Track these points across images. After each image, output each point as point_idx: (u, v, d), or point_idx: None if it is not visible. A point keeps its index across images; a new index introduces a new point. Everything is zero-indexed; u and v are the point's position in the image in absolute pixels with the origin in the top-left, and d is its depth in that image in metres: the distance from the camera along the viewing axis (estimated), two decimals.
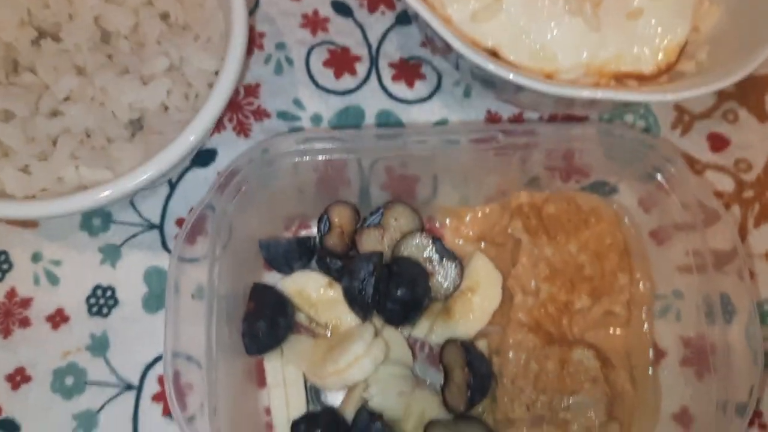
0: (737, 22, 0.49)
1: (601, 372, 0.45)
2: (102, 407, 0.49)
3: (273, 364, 0.48)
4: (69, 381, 0.49)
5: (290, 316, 0.48)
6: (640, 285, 0.49)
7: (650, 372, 0.48)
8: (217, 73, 0.46)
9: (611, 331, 0.48)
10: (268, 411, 0.48)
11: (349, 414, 0.46)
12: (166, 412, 0.49)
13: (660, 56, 0.48)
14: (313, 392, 0.48)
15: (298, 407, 0.48)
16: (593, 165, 0.49)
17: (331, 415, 0.46)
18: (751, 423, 0.50)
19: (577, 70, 0.47)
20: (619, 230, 0.49)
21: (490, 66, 0.43)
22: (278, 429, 0.47)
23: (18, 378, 0.49)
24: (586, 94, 0.41)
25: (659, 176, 0.47)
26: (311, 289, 0.49)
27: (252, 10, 0.57)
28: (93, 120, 0.44)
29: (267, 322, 0.46)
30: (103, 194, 0.40)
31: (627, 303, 0.48)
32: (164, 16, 0.48)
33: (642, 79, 0.48)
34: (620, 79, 0.48)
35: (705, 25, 0.50)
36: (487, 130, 0.47)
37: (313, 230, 0.52)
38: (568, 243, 0.48)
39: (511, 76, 0.43)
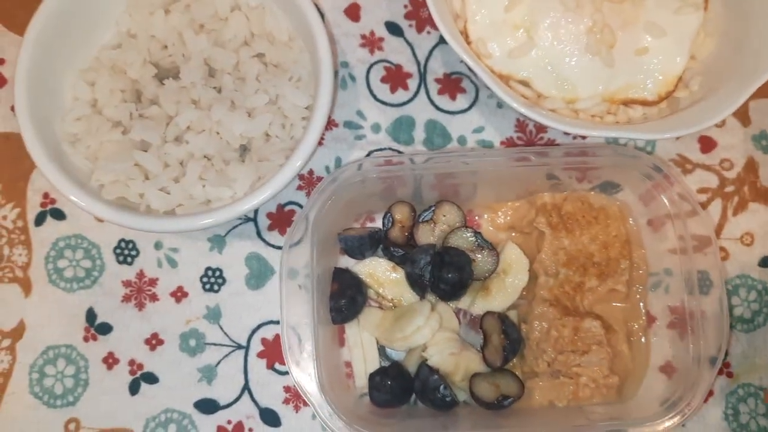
0: (728, 54, 0.59)
1: (604, 337, 0.58)
2: (219, 362, 0.63)
3: (353, 330, 0.62)
4: (192, 342, 0.63)
5: (364, 293, 0.61)
6: (638, 269, 0.62)
7: (642, 338, 0.62)
8: (308, 107, 0.57)
9: (614, 305, 0.61)
10: (348, 365, 0.62)
11: (412, 368, 0.60)
12: (270, 366, 0.63)
13: (661, 86, 0.59)
14: (382, 352, 0.62)
15: (373, 363, 0.61)
16: (603, 171, 0.61)
17: (398, 368, 0.60)
18: (719, 372, 0.63)
19: (593, 98, 0.59)
20: (622, 225, 0.61)
21: (514, 104, 0.54)
22: (358, 378, 0.61)
23: (153, 341, 0.63)
24: (596, 133, 0.53)
25: (653, 179, 0.60)
26: (379, 272, 0.62)
27: None
28: (212, 147, 0.56)
29: (347, 298, 0.59)
30: (237, 210, 0.52)
31: (627, 282, 0.60)
32: (260, 56, 0.59)
33: (646, 104, 0.60)
34: (628, 104, 0.60)
35: (701, 53, 0.61)
36: (520, 152, 0.59)
37: (377, 222, 0.65)
38: (581, 235, 0.60)
39: (523, 110, 0.53)
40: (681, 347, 0.59)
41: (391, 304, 0.62)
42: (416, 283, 0.60)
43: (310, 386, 0.54)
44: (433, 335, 0.59)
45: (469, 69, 0.58)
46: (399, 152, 0.66)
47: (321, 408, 0.54)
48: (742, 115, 0.67)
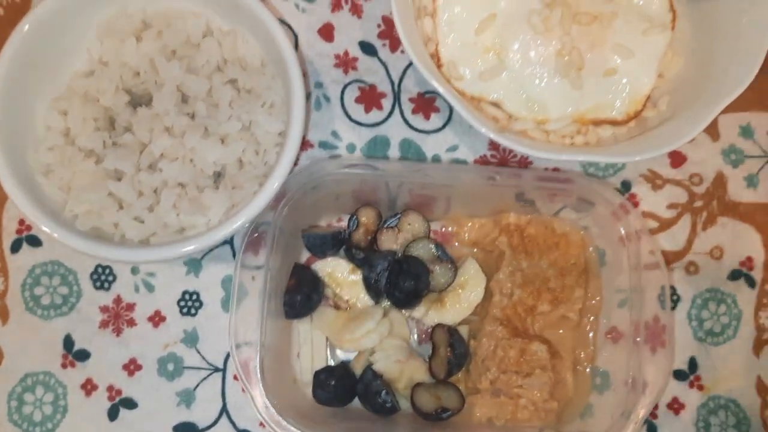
0: (696, 73, 0.60)
1: (549, 363, 0.60)
2: (197, 386, 0.63)
3: (305, 327, 0.63)
4: (170, 367, 0.63)
5: (321, 292, 0.62)
6: (592, 298, 0.63)
7: (588, 366, 0.63)
8: (281, 133, 0.58)
9: (564, 332, 0.62)
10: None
11: (358, 370, 0.61)
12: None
13: (629, 105, 0.60)
14: (331, 351, 0.63)
15: (320, 361, 0.62)
16: (575, 189, 0.62)
17: (344, 369, 0.61)
18: (690, 385, 0.65)
19: (563, 119, 0.59)
20: (582, 254, 0.63)
21: (483, 129, 0.54)
22: (304, 375, 0.62)
23: (132, 366, 0.63)
24: (564, 157, 0.54)
25: (617, 201, 0.61)
26: (339, 273, 0.63)
27: None
28: (186, 175, 0.56)
29: (303, 295, 0.60)
30: (211, 239, 0.53)
31: (579, 311, 0.62)
32: (233, 82, 0.59)
33: (615, 123, 0.60)
34: (598, 124, 0.60)
35: (669, 72, 0.62)
36: (488, 171, 0.60)
37: (344, 224, 0.65)
38: (540, 259, 0.62)
39: (491, 136, 0.54)
40: (653, 361, 0.60)
41: (347, 305, 0.63)
42: (372, 288, 0.61)
43: (252, 376, 0.56)
44: (382, 341, 0.60)
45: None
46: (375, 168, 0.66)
47: (257, 397, 0.56)
48: (712, 129, 0.68)
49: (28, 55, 0.56)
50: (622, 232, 0.61)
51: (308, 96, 0.67)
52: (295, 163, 0.65)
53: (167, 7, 0.60)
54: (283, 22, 0.68)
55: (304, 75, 0.67)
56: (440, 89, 0.53)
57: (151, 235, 0.56)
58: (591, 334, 0.63)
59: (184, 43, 0.59)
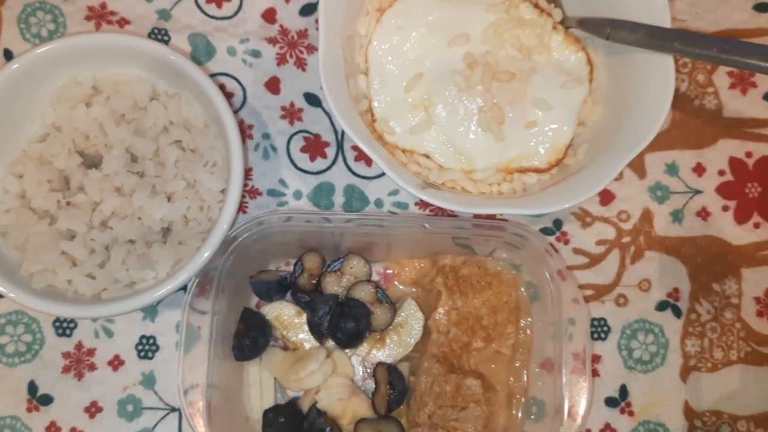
0: (613, 121, 0.64)
1: (483, 396, 0.63)
2: (155, 425, 0.67)
3: (253, 368, 0.66)
4: (130, 408, 0.67)
5: (268, 335, 0.66)
6: (524, 333, 0.67)
7: (522, 398, 0.67)
8: (223, 191, 0.62)
9: (498, 366, 0.66)
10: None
11: (305, 408, 0.65)
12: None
13: (550, 154, 0.64)
14: (280, 391, 0.67)
15: (269, 400, 0.66)
16: (504, 235, 0.66)
17: (292, 407, 0.65)
18: (621, 411, 0.69)
19: (489, 169, 0.63)
20: (513, 292, 0.67)
21: (407, 187, 0.58)
22: (254, 414, 0.65)
23: (93, 409, 0.67)
24: (485, 211, 0.59)
25: (550, 239, 0.65)
26: (285, 316, 0.67)
27: (240, 105, 0.72)
28: (135, 232, 0.60)
29: (250, 339, 0.64)
30: (156, 295, 0.57)
31: (512, 346, 0.66)
32: (178, 142, 0.63)
33: (538, 171, 0.64)
34: (523, 171, 0.65)
35: (590, 119, 0.66)
36: (421, 220, 0.65)
37: (291, 268, 0.69)
38: (474, 298, 0.66)
39: (417, 194, 0.58)
40: (585, 390, 0.64)
41: (294, 346, 0.67)
42: (315, 330, 0.65)
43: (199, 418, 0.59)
44: (326, 380, 0.64)
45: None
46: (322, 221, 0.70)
47: None
48: (639, 168, 0.72)
49: None
50: (550, 270, 0.65)
51: (256, 146, 0.71)
52: (244, 211, 0.70)
53: (115, 74, 0.64)
54: (231, 76, 0.72)
55: (251, 127, 0.71)
56: (365, 149, 0.57)
57: (103, 290, 0.60)
58: (522, 367, 0.67)
59: (132, 107, 0.63)
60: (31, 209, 0.61)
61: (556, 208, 0.58)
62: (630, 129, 0.61)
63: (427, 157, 0.64)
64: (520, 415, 0.67)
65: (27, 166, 0.61)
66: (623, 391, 0.69)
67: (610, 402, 0.69)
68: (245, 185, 0.71)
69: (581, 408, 0.63)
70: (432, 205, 0.70)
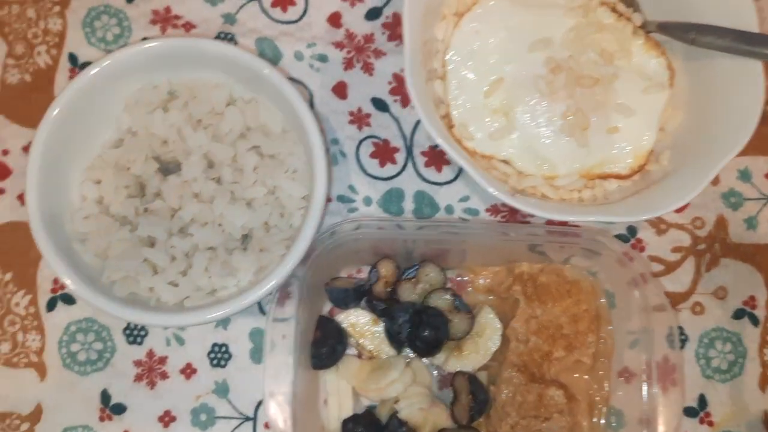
0: (696, 128, 0.63)
1: (566, 406, 0.62)
2: None
3: (330, 377, 0.65)
4: (203, 417, 0.66)
5: (345, 343, 0.65)
6: (605, 343, 0.66)
7: (603, 408, 0.65)
8: (304, 197, 0.61)
9: (579, 376, 0.65)
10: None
11: (384, 418, 0.64)
12: None
13: (633, 160, 0.63)
14: (357, 400, 0.66)
15: (347, 410, 0.65)
16: (581, 241, 0.65)
17: (370, 417, 0.64)
18: (701, 422, 0.68)
19: (571, 175, 0.63)
20: (593, 300, 0.65)
21: (495, 192, 0.57)
22: (331, 424, 0.65)
23: (166, 418, 0.66)
24: (573, 218, 0.58)
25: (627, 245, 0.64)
26: (361, 324, 0.66)
27: None
28: (216, 239, 0.60)
29: (328, 347, 0.63)
30: (244, 302, 0.56)
31: (592, 355, 0.64)
32: (256, 148, 0.63)
33: (620, 177, 0.64)
34: (604, 178, 0.64)
35: (670, 126, 0.65)
36: (500, 227, 0.64)
37: (363, 275, 0.69)
38: (553, 307, 0.64)
39: (504, 199, 0.57)
40: (664, 400, 0.63)
41: (369, 354, 0.66)
42: (394, 339, 0.64)
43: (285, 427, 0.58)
44: (406, 389, 0.63)
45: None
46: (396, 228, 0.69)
47: None
48: None
49: (61, 132, 0.59)
50: (629, 276, 0.64)
51: (329, 164, 0.70)
52: None
53: (192, 79, 0.63)
54: (298, 81, 0.71)
55: (322, 131, 0.70)
56: (453, 154, 0.56)
57: (185, 298, 0.59)
58: (602, 377, 0.66)
59: (209, 113, 0.62)
60: (110, 216, 0.60)
61: (651, 216, 0.57)
62: (716, 136, 0.60)
63: (506, 162, 0.63)
64: (603, 422, 0.65)
65: (105, 172, 0.61)
66: (702, 401, 0.68)
67: (689, 412, 0.68)
68: None
69: (664, 419, 0.62)
70: (503, 212, 0.70)
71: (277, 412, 0.59)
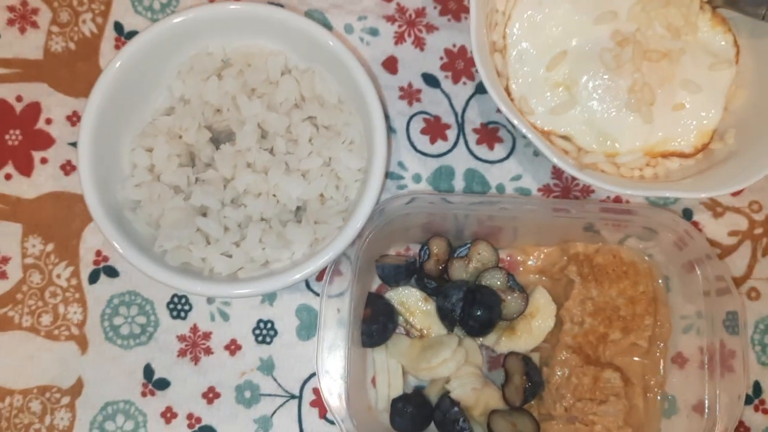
0: (761, 107, 0.62)
1: (623, 390, 0.61)
2: (274, 413, 0.65)
3: (380, 355, 0.64)
4: (247, 394, 0.65)
5: (395, 321, 0.64)
6: (662, 326, 0.64)
7: (659, 393, 0.64)
8: (361, 169, 0.59)
9: (634, 359, 0.64)
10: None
11: (433, 398, 0.62)
12: (322, 415, 0.65)
13: (697, 138, 0.62)
14: (406, 379, 0.64)
15: (396, 389, 0.63)
16: (639, 219, 0.64)
17: (421, 397, 0.62)
18: (755, 409, 0.66)
19: (633, 152, 0.61)
20: (650, 282, 0.64)
21: (566, 167, 0.56)
22: (380, 401, 0.63)
23: (210, 395, 0.65)
24: (638, 193, 0.56)
25: (680, 231, 0.62)
26: (411, 302, 0.65)
27: None
28: (269, 210, 0.58)
29: (379, 324, 0.62)
30: (300, 275, 0.54)
31: (649, 338, 0.63)
32: (311, 119, 0.61)
33: (683, 156, 0.62)
34: (666, 156, 0.62)
35: (733, 104, 0.63)
36: (555, 204, 0.62)
37: (413, 251, 0.67)
38: (610, 288, 0.63)
39: (573, 172, 0.56)
40: (717, 386, 0.61)
41: (419, 333, 0.64)
42: (446, 317, 0.62)
43: (336, 402, 0.57)
44: (458, 369, 0.62)
45: (513, 126, 0.60)
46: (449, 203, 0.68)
47: (344, 422, 0.57)
48: None
49: (115, 94, 0.58)
50: (689, 258, 0.63)
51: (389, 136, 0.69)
52: None
53: (246, 47, 0.62)
54: None
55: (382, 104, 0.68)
56: (522, 127, 0.55)
57: (239, 269, 0.57)
58: (661, 361, 0.64)
59: (264, 81, 0.61)
60: (163, 184, 0.58)
61: (722, 192, 0.56)
62: None
63: (566, 138, 0.62)
64: (656, 410, 0.64)
65: (156, 140, 0.59)
66: (757, 388, 0.66)
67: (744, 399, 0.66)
68: None
69: (722, 406, 0.60)
70: (555, 192, 0.68)
71: (331, 388, 0.58)
